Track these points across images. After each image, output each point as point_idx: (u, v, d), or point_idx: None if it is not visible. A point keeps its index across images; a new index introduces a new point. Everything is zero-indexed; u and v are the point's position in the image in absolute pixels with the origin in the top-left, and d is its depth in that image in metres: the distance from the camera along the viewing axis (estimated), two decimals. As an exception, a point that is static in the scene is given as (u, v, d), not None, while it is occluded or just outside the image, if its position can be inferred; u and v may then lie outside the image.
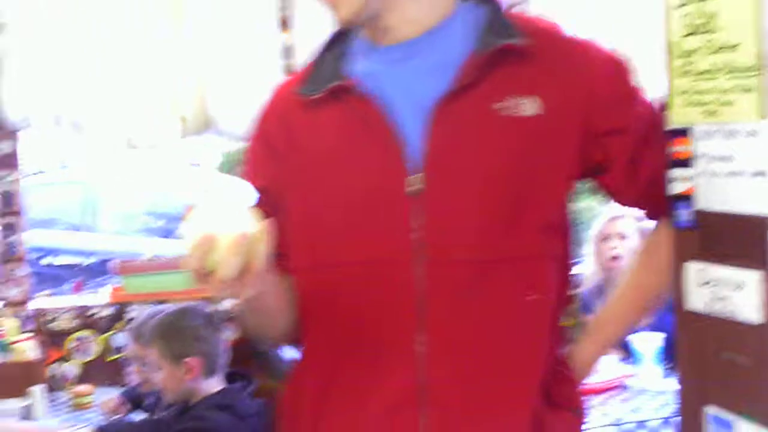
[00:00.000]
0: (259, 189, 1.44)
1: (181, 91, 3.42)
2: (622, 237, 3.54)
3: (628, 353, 3.16)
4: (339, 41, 1.46)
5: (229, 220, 1.19)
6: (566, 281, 1.45)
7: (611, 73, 1.40)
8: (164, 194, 8.46)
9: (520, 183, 1.34)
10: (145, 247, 6.83)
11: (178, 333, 2.51)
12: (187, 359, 2.47)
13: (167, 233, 7.90)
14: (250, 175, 1.48)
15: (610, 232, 3.58)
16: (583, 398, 1.49)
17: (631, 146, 1.38)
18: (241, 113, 3.49)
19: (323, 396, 1.41)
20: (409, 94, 1.36)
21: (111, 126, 3.32)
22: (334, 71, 1.40)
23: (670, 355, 3.22)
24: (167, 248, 6.35)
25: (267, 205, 1.37)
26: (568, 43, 1.40)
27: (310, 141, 1.39)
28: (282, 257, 1.38)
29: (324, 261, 1.39)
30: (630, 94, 1.41)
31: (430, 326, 1.34)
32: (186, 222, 1.21)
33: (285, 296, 1.43)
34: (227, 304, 3.12)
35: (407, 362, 1.35)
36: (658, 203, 1.39)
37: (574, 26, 1.43)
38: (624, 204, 1.47)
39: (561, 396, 1.43)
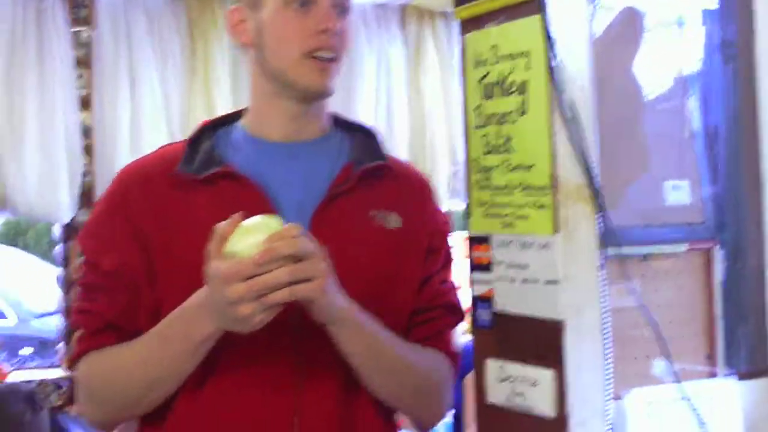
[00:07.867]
0: (113, 267, 1.41)
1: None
2: None
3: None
4: (210, 130, 1.49)
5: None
6: None
7: (435, 199, 1.55)
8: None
9: (385, 287, 1.42)
10: None
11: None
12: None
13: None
14: (101, 252, 1.43)
15: None
16: None
17: (442, 263, 1.50)
18: (38, 192, 3.40)
19: None
20: (289, 190, 1.42)
21: None
22: (211, 157, 1.43)
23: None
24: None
25: (122, 285, 1.38)
26: (413, 173, 1.55)
27: (185, 220, 1.39)
28: (127, 333, 1.39)
29: None
30: (446, 219, 1.55)
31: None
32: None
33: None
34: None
35: None
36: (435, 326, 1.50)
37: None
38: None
39: None
